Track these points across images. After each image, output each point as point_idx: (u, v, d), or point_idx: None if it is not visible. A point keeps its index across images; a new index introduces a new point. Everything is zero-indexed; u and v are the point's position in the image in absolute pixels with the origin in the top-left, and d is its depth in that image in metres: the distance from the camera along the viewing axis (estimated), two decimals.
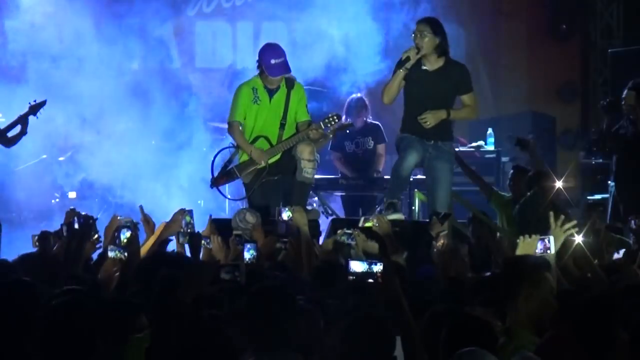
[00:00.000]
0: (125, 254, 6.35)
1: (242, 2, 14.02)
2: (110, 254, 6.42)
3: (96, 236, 7.11)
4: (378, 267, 5.24)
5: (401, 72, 9.10)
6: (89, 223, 6.72)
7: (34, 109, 10.85)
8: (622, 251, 7.55)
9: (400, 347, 4.70)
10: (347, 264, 5.41)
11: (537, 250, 6.00)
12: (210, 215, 7.98)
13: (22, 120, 10.79)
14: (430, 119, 9.06)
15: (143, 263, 6.19)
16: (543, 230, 6.14)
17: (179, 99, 13.19)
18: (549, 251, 6.03)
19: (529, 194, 9.69)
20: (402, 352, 4.70)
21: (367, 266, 5.29)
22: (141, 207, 7.86)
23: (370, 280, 5.20)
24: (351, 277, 5.32)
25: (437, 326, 4.58)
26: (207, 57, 13.94)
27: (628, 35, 13.91)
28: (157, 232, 7.51)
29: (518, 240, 6.06)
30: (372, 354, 4.52)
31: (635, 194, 10.32)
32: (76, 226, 6.96)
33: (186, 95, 13.28)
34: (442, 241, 7.55)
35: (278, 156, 9.50)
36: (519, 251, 5.99)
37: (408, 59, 9.05)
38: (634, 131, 10.40)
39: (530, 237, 6.04)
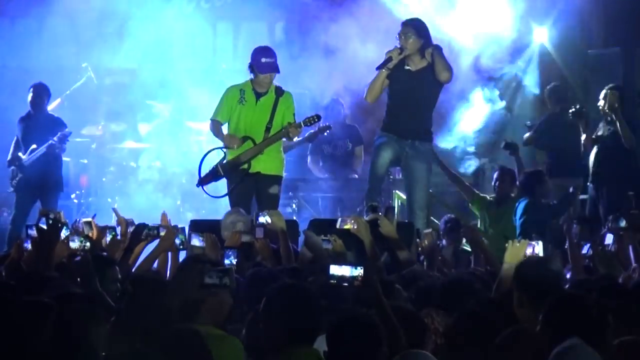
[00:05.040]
0: (88, 243, 6.50)
1: (222, 2, 13.99)
2: (73, 244, 6.53)
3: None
4: (359, 271, 5.24)
5: (383, 72, 9.25)
6: (56, 225, 6.62)
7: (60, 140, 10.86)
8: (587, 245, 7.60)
9: None
10: (327, 268, 5.40)
11: (526, 254, 6.03)
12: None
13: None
14: None
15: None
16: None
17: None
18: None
19: (526, 200, 9.66)
20: None
21: (348, 269, 5.29)
22: (115, 210, 7.98)
23: (345, 284, 5.20)
24: (332, 281, 5.31)
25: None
26: (186, 57, 13.86)
27: (607, 37, 13.93)
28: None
29: (507, 245, 6.09)
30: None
31: (614, 194, 10.31)
32: (43, 226, 6.86)
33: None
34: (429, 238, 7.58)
35: (261, 155, 9.49)
36: (508, 255, 6.01)
37: (390, 59, 9.18)
38: (612, 131, 10.41)
39: (519, 242, 6.06)
